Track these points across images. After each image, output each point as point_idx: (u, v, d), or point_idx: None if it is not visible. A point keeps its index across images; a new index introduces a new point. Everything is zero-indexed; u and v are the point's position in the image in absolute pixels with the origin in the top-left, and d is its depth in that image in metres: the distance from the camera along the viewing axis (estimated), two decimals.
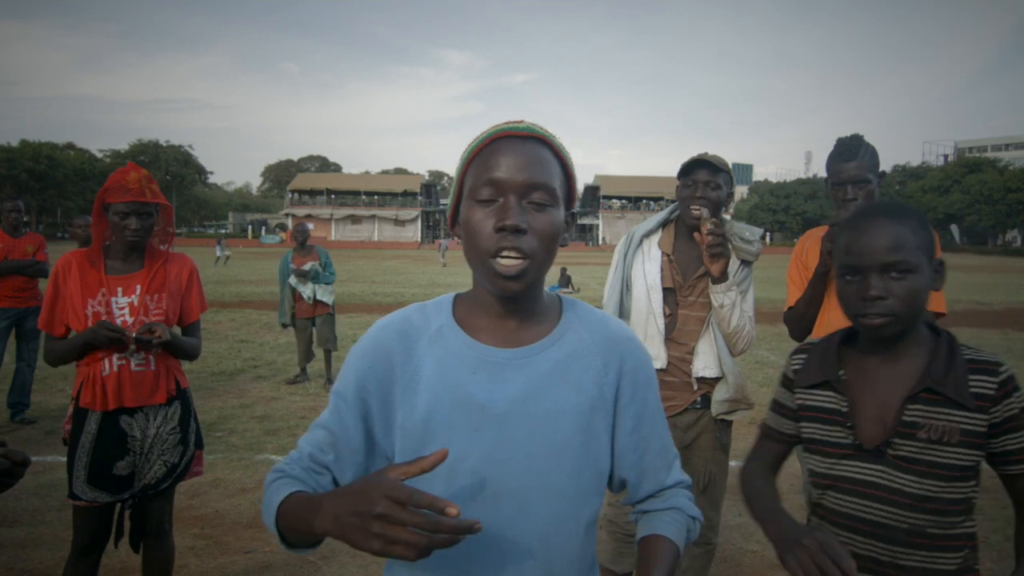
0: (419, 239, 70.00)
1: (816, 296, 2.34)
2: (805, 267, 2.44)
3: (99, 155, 73.79)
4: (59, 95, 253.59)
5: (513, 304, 1.04)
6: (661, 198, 73.30)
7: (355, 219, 70.93)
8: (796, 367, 1.43)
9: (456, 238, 1.06)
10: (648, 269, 2.44)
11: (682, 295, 2.41)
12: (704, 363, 2.37)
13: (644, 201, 73.47)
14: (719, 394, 2.37)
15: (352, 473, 1.07)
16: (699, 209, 2.31)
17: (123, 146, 75.75)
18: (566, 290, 17.42)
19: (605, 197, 73.37)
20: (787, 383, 1.46)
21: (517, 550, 0.99)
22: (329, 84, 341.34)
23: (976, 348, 1.31)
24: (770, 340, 9.59)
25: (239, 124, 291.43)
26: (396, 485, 0.81)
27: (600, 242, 69.74)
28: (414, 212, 72.18)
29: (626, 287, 2.51)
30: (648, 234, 2.53)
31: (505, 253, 0.96)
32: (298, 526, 0.92)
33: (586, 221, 73.98)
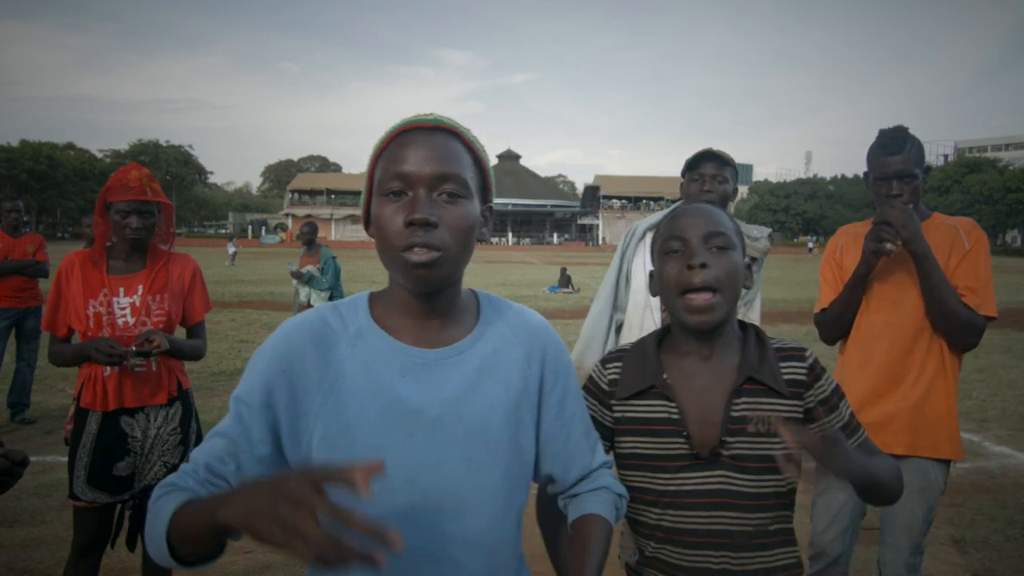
0: None
1: (854, 299, 2.18)
2: (839, 266, 2.28)
3: (99, 155, 73.77)
4: (59, 95, 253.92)
5: (433, 303, 1.01)
6: (661, 198, 73.26)
7: (355, 219, 70.69)
8: (613, 376, 1.32)
9: (371, 238, 1.01)
10: (648, 262, 2.37)
11: None
12: None
13: (644, 201, 73.44)
14: None
15: None
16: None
17: (123, 146, 75.81)
18: (566, 290, 17.42)
19: (605, 197, 73.36)
20: (601, 395, 1.33)
21: (461, 552, 0.97)
22: (329, 84, 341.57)
23: (779, 338, 1.32)
24: None
25: (239, 124, 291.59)
26: (316, 468, 0.72)
27: (600, 242, 69.69)
28: None
29: (625, 280, 2.49)
30: (652, 227, 2.49)
31: (416, 249, 0.92)
32: (194, 528, 0.83)
33: (586, 221, 74.01)
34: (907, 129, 2.17)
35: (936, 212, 2.20)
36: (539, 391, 1.08)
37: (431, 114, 0.98)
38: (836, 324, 2.26)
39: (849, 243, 2.27)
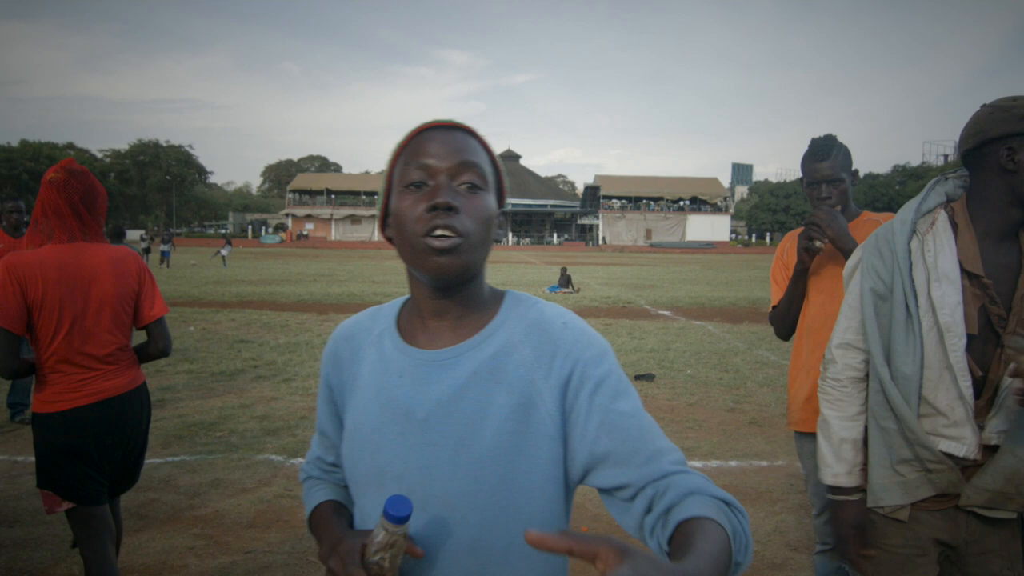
0: None
1: (796, 294, 2.37)
2: (786, 267, 2.48)
3: (99, 155, 73.86)
4: (59, 95, 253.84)
5: (448, 300, 1.00)
6: (661, 198, 73.31)
7: (355, 219, 70.86)
8: None
9: (387, 240, 1.02)
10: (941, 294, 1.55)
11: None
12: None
13: (644, 201, 73.40)
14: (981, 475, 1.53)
15: None
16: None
17: (123, 146, 75.82)
18: (566, 290, 17.41)
19: (605, 197, 73.25)
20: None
21: (446, 557, 0.95)
22: (329, 84, 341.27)
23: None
24: (770, 340, 9.58)
25: (239, 124, 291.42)
26: (353, 558, 0.91)
27: (600, 242, 69.68)
28: None
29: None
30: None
31: (438, 232, 0.92)
32: (315, 532, 1.07)
33: (586, 221, 73.96)
34: (835, 137, 2.35)
35: (866, 211, 2.38)
36: (560, 388, 0.96)
37: (449, 118, 1.02)
38: (785, 319, 2.45)
39: (793, 245, 2.45)
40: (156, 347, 2.45)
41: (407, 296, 1.09)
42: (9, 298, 2.16)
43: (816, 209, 2.25)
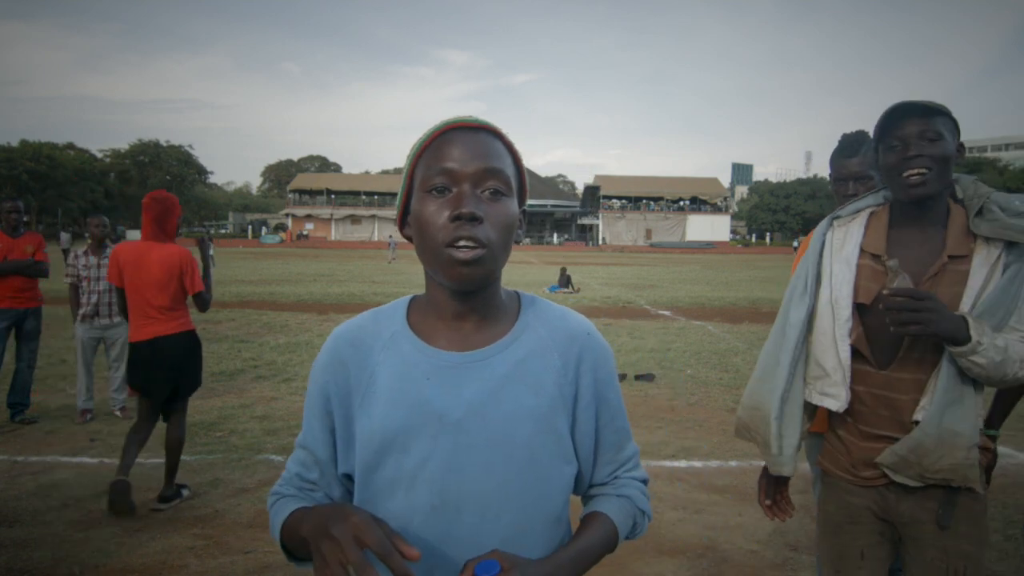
0: None
1: None
2: None
3: (99, 155, 73.84)
4: (59, 95, 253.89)
5: (469, 303, 1.00)
6: (661, 198, 73.27)
7: (355, 219, 70.83)
8: None
9: (407, 239, 1.01)
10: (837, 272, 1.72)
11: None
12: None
13: (644, 201, 73.36)
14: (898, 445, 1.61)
15: (339, 488, 1.07)
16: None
17: (123, 146, 75.77)
18: (566, 290, 17.41)
19: (605, 197, 73.23)
20: None
21: (478, 555, 0.94)
22: (329, 84, 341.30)
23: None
24: None
25: (239, 124, 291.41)
26: (368, 524, 0.82)
27: (600, 242, 69.66)
28: None
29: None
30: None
31: (461, 243, 0.91)
32: (295, 534, 0.96)
33: (586, 221, 73.93)
34: (867, 133, 2.27)
35: None
36: (574, 400, 1.04)
37: (472, 116, 0.99)
38: None
39: None
40: (198, 308, 3.95)
41: (409, 296, 1.09)
42: (112, 267, 3.80)
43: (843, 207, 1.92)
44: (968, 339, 1.46)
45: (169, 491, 3.77)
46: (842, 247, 1.71)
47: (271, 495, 1.07)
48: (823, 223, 1.81)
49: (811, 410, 1.79)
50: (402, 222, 1.04)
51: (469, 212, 0.91)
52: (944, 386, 1.53)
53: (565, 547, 1.01)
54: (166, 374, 3.75)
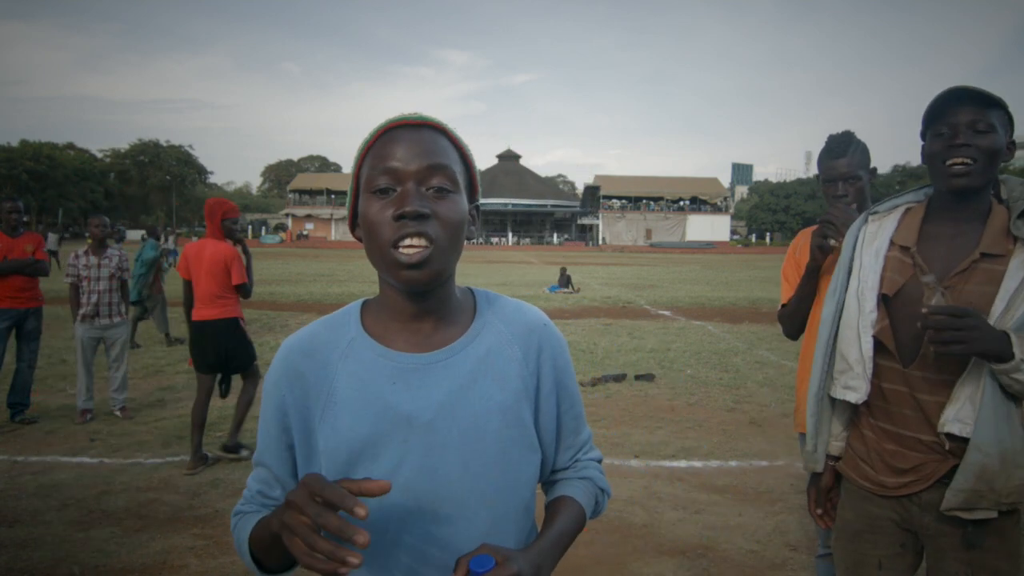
0: None
1: (807, 292, 2.32)
2: (798, 265, 2.41)
3: (99, 155, 73.85)
4: (59, 95, 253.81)
5: (425, 304, 0.99)
6: (661, 198, 73.25)
7: None
8: None
9: (358, 240, 1.00)
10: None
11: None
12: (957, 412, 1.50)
13: (644, 201, 73.34)
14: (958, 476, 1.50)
15: None
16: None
17: (123, 146, 75.77)
18: (566, 290, 17.41)
19: (605, 197, 73.19)
20: None
21: (461, 553, 0.95)
22: (329, 84, 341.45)
23: None
24: (770, 340, 9.59)
25: (239, 124, 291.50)
26: (319, 479, 0.79)
27: (600, 242, 69.65)
28: None
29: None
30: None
31: (406, 241, 0.90)
32: (264, 541, 0.94)
33: (586, 221, 73.90)
34: (853, 134, 2.29)
35: None
36: (536, 388, 1.05)
37: (415, 112, 0.97)
38: (794, 317, 2.40)
39: (807, 243, 2.38)
40: (241, 296, 4.57)
41: (360, 301, 1.07)
42: (182, 261, 4.50)
43: (832, 207, 2.19)
44: (1012, 356, 1.38)
45: (232, 442, 4.63)
46: (874, 240, 1.69)
47: (234, 515, 1.05)
48: (859, 219, 1.78)
49: (848, 409, 1.73)
50: (352, 225, 1.02)
51: (413, 210, 0.90)
52: (991, 403, 1.44)
53: (545, 534, 1.03)
54: (214, 350, 4.48)
